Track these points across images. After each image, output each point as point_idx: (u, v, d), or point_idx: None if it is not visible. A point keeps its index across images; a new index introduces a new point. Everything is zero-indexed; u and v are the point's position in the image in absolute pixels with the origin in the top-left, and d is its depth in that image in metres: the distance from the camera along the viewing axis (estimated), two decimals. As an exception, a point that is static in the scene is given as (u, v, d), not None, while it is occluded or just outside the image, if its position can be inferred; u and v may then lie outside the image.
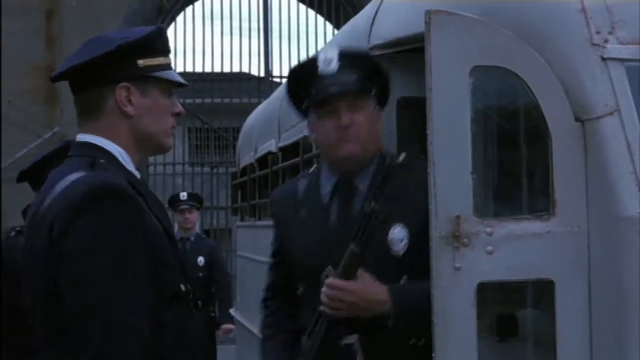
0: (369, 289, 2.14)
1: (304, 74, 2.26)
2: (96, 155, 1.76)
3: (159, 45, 1.84)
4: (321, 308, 2.15)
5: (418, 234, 2.17)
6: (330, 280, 2.11)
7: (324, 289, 2.12)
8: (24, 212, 5.85)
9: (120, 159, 1.80)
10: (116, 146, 1.80)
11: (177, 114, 1.89)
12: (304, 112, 2.32)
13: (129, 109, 1.80)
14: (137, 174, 1.83)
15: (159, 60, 1.83)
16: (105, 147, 1.79)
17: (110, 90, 1.79)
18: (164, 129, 1.86)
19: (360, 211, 2.13)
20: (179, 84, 1.89)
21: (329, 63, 2.21)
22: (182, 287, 1.75)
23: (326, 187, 2.33)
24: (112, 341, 1.54)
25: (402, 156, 2.28)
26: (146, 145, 1.87)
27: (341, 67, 2.20)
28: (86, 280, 1.57)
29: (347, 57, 2.24)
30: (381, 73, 2.43)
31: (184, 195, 6.87)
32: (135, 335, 1.57)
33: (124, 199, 1.65)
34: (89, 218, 1.60)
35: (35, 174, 3.19)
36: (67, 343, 1.60)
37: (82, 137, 1.83)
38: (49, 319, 1.65)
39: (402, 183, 2.22)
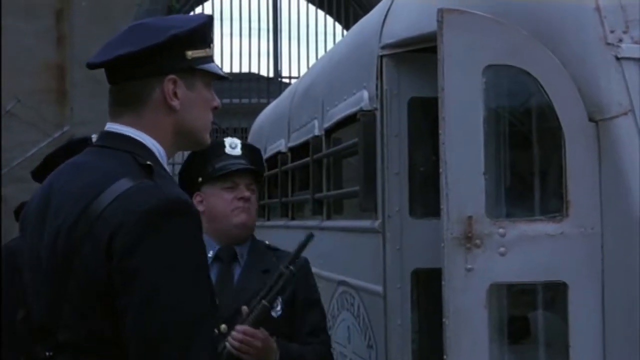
0: (269, 339, 2.40)
1: (207, 154, 2.60)
2: (138, 153, 1.67)
3: (207, 36, 1.77)
4: (230, 350, 2.33)
5: (289, 306, 2.55)
6: (245, 327, 2.33)
7: (235, 333, 2.33)
8: (17, 212, 5.76)
9: (158, 156, 1.71)
10: (155, 143, 1.71)
11: (215, 108, 1.82)
12: (195, 186, 2.63)
13: (175, 102, 1.71)
14: (170, 171, 1.75)
15: (205, 52, 1.75)
16: (145, 143, 1.70)
17: (157, 82, 1.69)
18: (205, 124, 1.79)
19: (276, 273, 2.40)
20: (220, 77, 1.83)
21: (235, 147, 2.63)
22: (224, 327, 1.71)
23: (207, 252, 2.48)
24: None
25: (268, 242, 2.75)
26: (185, 141, 1.79)
27: (243, 153, 2.63)
28: (159, 303, 1.51)
29: (247, 148, 2.70)
30: (263, 168, 2.88)
31: None
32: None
33: (193, 215, 1.58)
34: (161, 235, 1.53)
35: (42, 175, 3.19)
36: (96, 348, 1.55)
37: (118, 128, 1.72)
38: (80, 321, 1.58)
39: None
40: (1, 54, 8.91)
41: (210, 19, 1.79)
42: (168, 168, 1.74)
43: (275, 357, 2.40)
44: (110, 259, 1.53)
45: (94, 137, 2.84)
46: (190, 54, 1.72)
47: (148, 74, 1.70)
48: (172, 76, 1.70)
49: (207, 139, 1.82)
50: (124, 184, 1.59)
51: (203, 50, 1.75)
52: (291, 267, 2.36)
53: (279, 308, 2.53)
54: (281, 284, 2.35)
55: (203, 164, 2.58)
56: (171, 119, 1.73)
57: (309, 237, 2.48)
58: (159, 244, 1.52)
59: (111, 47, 1.72)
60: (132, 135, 1.71)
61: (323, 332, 2.65)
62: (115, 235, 1.53)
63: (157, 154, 1.71)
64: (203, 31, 1.75)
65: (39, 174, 3.20)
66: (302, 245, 2.41)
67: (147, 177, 1.61)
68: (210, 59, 1.78)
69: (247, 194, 2.57)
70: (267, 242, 2.70)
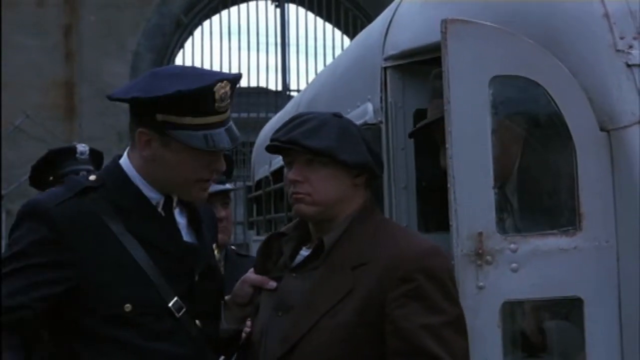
0: None
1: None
2: (105, 176, 1.86)
3: (187, 106, 1.73)
4: None
5: None
6: None
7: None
8: None
9: (137, 181, 1.84)
10: (136, 173, 1.85)
11: (212, 170, 1.83)
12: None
13: (146, 153, 1.81)
14: (154, 196, 1.85)
15: (186, 120, 1.73)
16: (125, 170, 1.85)
17: (136, 128, 1.83)
18: (185, 181, 1.82)
19: None
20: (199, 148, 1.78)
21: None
22: (129, 306, 1.76)
23: None
24: None
25: None
26: (169, 189, 1.87)
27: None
28: None
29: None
30: None
31: None
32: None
33: (39, 220, 1.76)
34: (14, 232, 1.80)
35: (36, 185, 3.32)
36: None
37: (127, 151, 1.90)
38: None
39: None
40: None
41: (199, 89, 1.73)
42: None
43: None
44: None
45: (80, 147, 3.20)
46: (160, 117, 1.75)
47: (131, 118, 1.84)
48: (141, 129, 1.80)
49: (193, 196, 1.86)
50: None
51: (181, 118, 1.74)
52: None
53: None
54: None
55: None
56: (150, 165, 1.83)
57: None
58: (12, 239, 1.79)
59: (126, 85, 1.90)
60: (120, 161, 1.89)
61: None
62: None
63: (133, 177, 1.84)
64: (175, 100, 1.72)
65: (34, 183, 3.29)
66: None
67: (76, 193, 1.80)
68: (191, 127, 1.75)
69: None
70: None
